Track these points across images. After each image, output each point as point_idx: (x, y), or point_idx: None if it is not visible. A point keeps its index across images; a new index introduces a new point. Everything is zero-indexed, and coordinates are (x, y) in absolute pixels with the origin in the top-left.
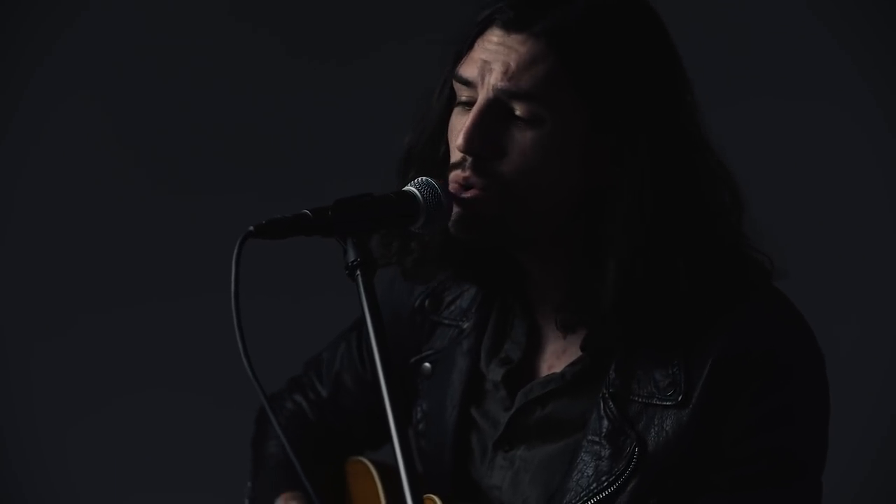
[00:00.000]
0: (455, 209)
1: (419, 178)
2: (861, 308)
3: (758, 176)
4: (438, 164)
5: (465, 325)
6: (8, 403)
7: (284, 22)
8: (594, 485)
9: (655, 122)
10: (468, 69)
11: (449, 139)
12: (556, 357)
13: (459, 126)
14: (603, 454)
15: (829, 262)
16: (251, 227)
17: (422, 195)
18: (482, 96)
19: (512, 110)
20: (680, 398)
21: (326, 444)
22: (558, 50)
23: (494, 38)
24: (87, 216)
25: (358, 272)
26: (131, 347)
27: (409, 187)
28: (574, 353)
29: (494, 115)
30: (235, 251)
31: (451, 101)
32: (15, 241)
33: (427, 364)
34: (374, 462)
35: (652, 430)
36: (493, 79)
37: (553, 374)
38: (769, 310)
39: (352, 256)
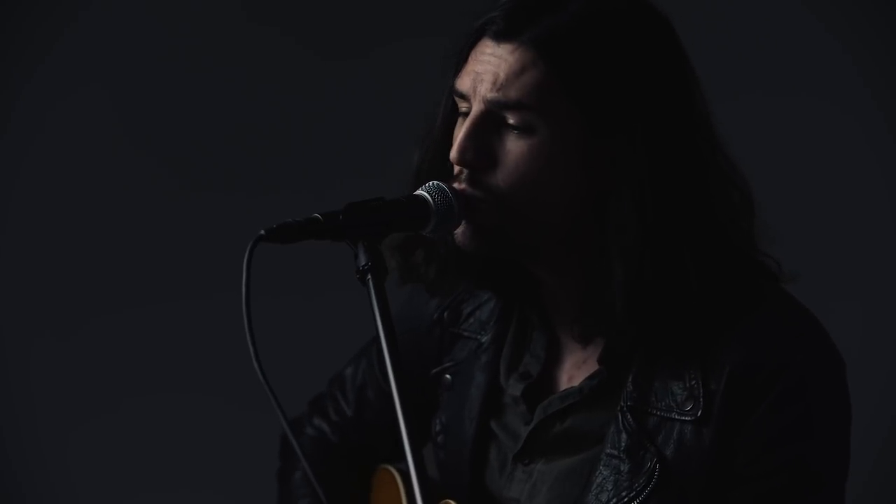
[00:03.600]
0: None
1: (430, 182)
2: (859, 308)
3: (757, 176)
4: (448, 176)
5: (484, 339)
6: (12, 406)
7: (299, 19)
8: (614, 500)
9: (656, 124)
10: (463, 82)
11: None
12: (577, 368)
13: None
14: (622, 468)
15: (827, 263)
16: (262, 231)
17: (433, 199)
18: (474, 108)
19: (504, 120)
20: (700, 413)
21: (350, 465)
22: (548, 58)
23: (486, 49)
24: (93, 217)
25: (369, 276)
26: (138, 350)
27: (420, 191)
28: (592, 366)
29: (487, 126)
30: (246, 256)
31: (454, 113)
32: (20, 241)
33: (448, 376)
34: (399, 470)
35: (671, 444)
36: (483, 90)
37: (571, 388)
38: (781, 320)
39: (363, 260)
